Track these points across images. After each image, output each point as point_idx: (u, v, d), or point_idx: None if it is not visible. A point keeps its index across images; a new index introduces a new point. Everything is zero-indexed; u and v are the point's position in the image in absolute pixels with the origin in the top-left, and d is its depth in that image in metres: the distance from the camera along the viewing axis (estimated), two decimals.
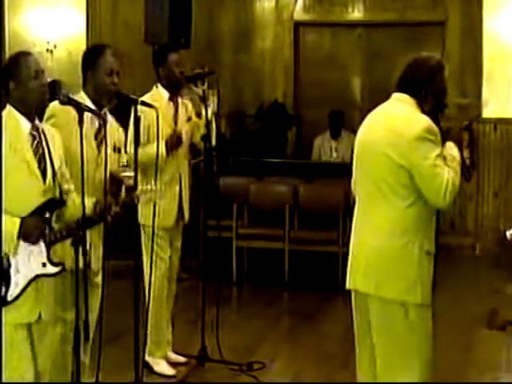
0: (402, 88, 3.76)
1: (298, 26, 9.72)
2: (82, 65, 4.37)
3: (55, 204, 3.64)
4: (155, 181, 4.76)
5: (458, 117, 9.37)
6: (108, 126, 4.30)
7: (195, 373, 5.38)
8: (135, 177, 4.16)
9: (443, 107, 3.79)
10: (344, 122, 9.11)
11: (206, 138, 5.50)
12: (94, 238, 4.15)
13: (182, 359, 5.55)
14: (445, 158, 3.62)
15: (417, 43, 9.48)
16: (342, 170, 8.79)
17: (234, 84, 9.65)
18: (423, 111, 3.69)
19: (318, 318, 6.77)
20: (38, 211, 3.56)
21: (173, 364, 5.47)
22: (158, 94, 5.36)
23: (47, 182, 3.62)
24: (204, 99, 5.36)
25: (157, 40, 7.48)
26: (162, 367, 5.40)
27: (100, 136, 4.23)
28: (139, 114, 4.33)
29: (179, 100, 5.47)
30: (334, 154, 9.17)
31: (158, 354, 5.41)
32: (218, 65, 9.21)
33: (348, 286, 3.90)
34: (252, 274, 7.93)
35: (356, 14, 9.53)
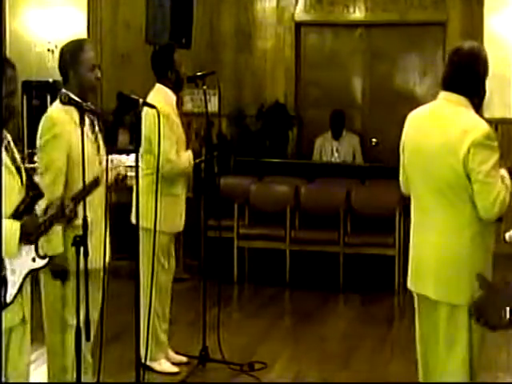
0: (452, 87, 3.64)
1: (299, 26, 9.71)
2: (61, 62, 4.27)
3: (34, 199, 3.62)
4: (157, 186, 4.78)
5: None
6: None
7: (196, 373, 5.38)
8: (136, 176, 4.16)
9: (484, 98, 3.72)
10: (345, 122, 9.10)
11: (207, 138, 5.52)
12: (96, 238, 4.15)
13: (183, 359, 5.55)
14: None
15: (418, 43, 9.50)
16: (344, 170, 8.86)
17: (235, 84, 9.65)
18: (473, 107, 3.63)
19: (319, 318, 6.77)
20: (21, 209, 3.55)
21: (174, 364, 5.48)
22: (169, 96, 5.33)
23: (23, 179, 3.60)
24: (205, 99, 5.36)
25: (158, 40, 7.49)
26: (164, 366, 5.41)
27: (95, 133, 4.24)
28: (148, 114, 4.32)
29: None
30: (336, 155, 9.16)
31: (159, 356, 5.42)
32: (219, 65, 9.22)
33: (412, 287, 3.85)
34: (253, 274, 7.93)
35: (357, 14, 9.52)
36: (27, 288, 3.62)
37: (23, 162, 3.66)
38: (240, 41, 9.76)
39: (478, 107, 3.68)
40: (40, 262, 3.59)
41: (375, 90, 9.40)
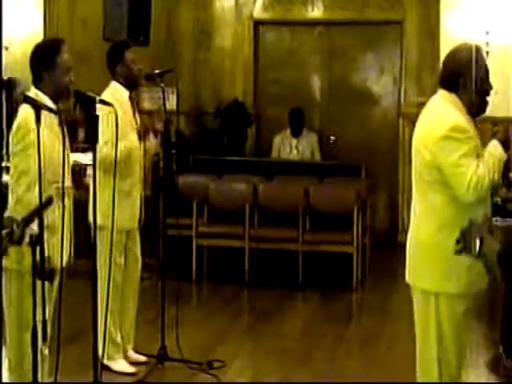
0: (441, 84, 3.84)
1: (257, 24, 9.73)
2: (35, 61, 4.20)
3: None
4: (114, 180, 4.74)
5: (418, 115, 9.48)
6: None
7: (155, 372, 5.35)
8: (93, 174, 4.13)
9: (484, 97, 3.81)
10: (304, 119, 9.13)
11: (165, 136, 5.50)
12: (58, 240, 4.09)
13: (142, 358, 5.52)
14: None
15: (375, 42, 9.57)
16: (302, 168, 8.89)
17: (194, 82, 9.63)
18: (467, 105, 3.75)
19: (278, 316, 6.78)
20: None
21: (133, 363, 5.45)
22: (118, 92, 5.33)
23: None
24: (163, 97, 5.34)
25: (116, 37, 7.44)
26: (122, 366, 5.37)
27: (64, 133, 4.19)
28: (102, 112, 4.30)
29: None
30: (295, 152, 9.19)
31: (116, 356, 5.38)
32: (177, 62, 9.19)
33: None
34: (212, 273, 7.92)
35: (315, 12, 9.56)
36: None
37: None
38: (198, 38, 9.74)
39: (477, 106, 3.79)
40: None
41: (333, 88, 9.44)
